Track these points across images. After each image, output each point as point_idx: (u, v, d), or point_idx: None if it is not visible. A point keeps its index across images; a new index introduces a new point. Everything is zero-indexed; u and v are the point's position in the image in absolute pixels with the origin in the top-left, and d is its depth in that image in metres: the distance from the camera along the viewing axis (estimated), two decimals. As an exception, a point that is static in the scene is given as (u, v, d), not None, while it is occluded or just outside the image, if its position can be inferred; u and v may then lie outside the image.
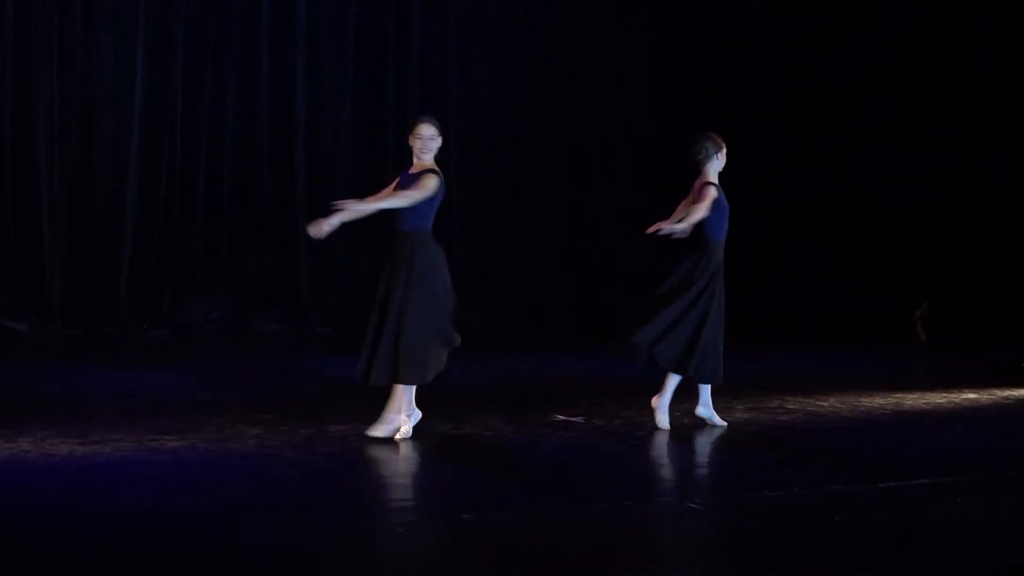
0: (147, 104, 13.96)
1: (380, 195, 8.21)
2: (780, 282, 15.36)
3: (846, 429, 8.94)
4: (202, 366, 11.99)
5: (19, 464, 7.22)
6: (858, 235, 15.99)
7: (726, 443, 8.47)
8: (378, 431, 8.06)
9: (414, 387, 8.14)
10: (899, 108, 15.87)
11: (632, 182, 16.09)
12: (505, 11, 15.78)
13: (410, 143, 8.21)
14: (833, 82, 16.18)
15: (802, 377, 11.29)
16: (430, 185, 7.97)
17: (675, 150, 15.70)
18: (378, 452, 7.80)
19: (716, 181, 8.79)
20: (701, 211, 8.62)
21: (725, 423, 8.85)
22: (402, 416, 8.09)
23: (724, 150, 8.85)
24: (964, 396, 10.42)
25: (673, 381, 8.70)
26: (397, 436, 8.09)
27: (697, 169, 8.87)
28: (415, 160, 8.17)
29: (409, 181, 8.06)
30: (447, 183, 14.79)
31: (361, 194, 8.49)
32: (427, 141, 8.09)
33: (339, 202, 7.99)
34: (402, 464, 7.69)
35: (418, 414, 8.26)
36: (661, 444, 8.31)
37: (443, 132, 8.28)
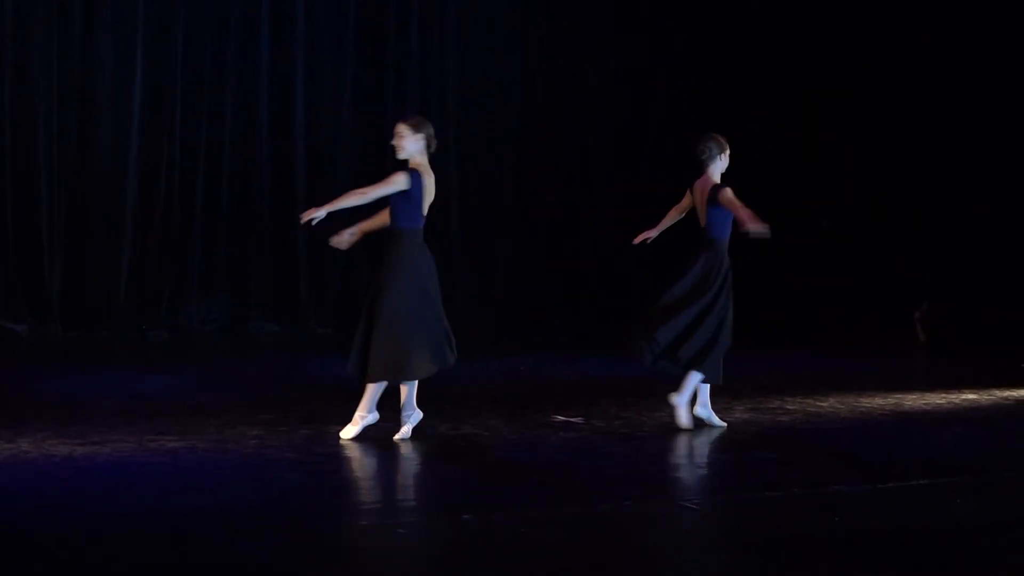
0: (146, 104, 13.95)
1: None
2: (780, 282, 15.36)
3: (846, 430, 8.94)
4: (201, 367, 11.99)
5: (18, 465, 7.22)
6: (858, 235, 15.99)
7: (726, 443, 8.47)
8: (347, 432, 8.07)
9: (373, 385, 8.08)
10: (899, 108, 15.87)
11: (632, 182, 16.08)
12: (505, 11, 15.78)
13: None
14: (833, 82, 16.18)
15: (802, 377, 11.28)
16: (393, 180, 7.94)
17: (675, 150, 15.82)
18: (377, 453, 7.80)
19: (719, 182, 8.82)
20: (744, 212, 8.64)
21: (724, 424, 8.85)
22: (359, 414, 8.08)
23: (728, 151, 8.86)
24: (964, 397, 10.41)
25: (694, 379, 8.73)
26: (396, 437, 8.08)
27: (700, 169, 8.87)
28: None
29: None
30: (447, 182, 14.79)
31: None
32: (399, 139, 8.07)
33: (305, 214, 7.93)
34: (401, 465, 7.69)
35: (419, 415, 8.25)
36: (661, 445, 8.30)
37: (420, 129, 8.10)
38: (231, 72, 14.41)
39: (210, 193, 14.33)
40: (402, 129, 8.11)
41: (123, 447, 7.73)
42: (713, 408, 8.92)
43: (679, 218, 9.07)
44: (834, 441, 8.55)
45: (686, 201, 8.98)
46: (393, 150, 8.17)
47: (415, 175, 7.99)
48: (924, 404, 10.07)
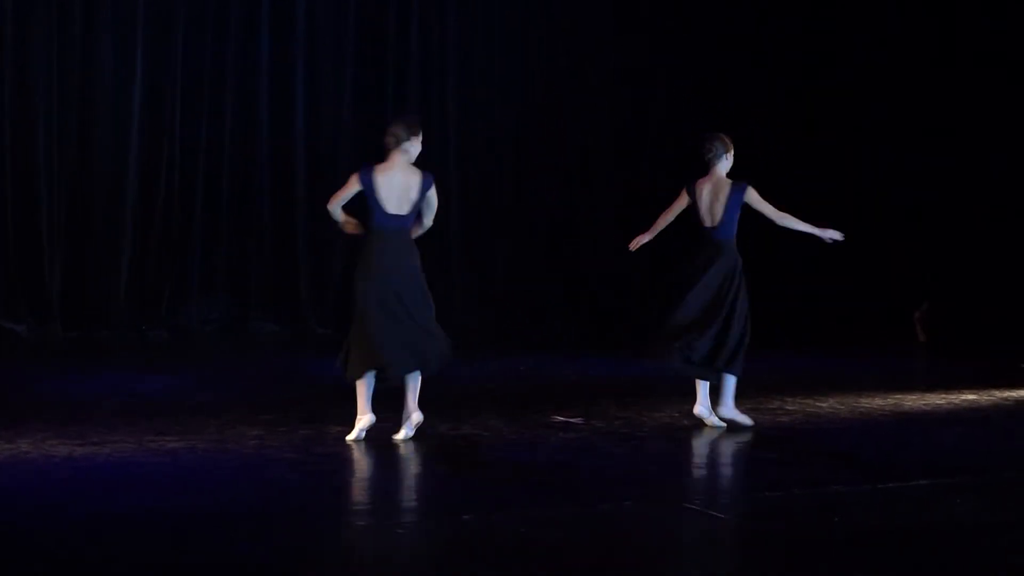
0: (146, 104, 13.95)
1: None
2: (780, 282, 15.35)
3: (845, 430, 8.94)
4: (201, 367, 11.99)
5: (18, 465, 7.22)
6: (858, 235, 15.96)
7: (726, 444, 8.47)
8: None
9: (356, 386, 8.09)
10: (899, 108, 15.86)
11: (632, 182, 16.08)
12: (505, 11, 15.78)
13: None
14: (833, 82, 16.17)
15: (802, 377, 11.28)
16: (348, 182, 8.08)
17: (675, 150, 15.82)
18: (377, 453, 7.80)
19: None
20: (776, 211, 8.86)
21: (724, 424, 8.84)
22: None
23: (732, 150, 8.86)
24: (963, 397, 10.41)
25: (731, 382, 8.80)
26: (397, 437, 8.07)
27: (705, 169, 8.85)
28: None
29: None
30: (447, 182, 14.84)
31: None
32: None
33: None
34: (401, 465, 7.69)
35: (419, 416, 8.17)
36: (660, 445, 8.30)
37: (392, 130, 8.14)
38: (231, 72, 14.40)
39: (210, 193, 14.32)
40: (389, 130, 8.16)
41: (123, 447, 7.73)
42: (713, 408, 8.92)
43: (671, 219, 9.03)
44: (834, 441, 8.55)
45: (682, 201, 8.92)
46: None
47: (359, 173, 8.03)
48: (924, 404, 10.07)
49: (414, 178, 8.02)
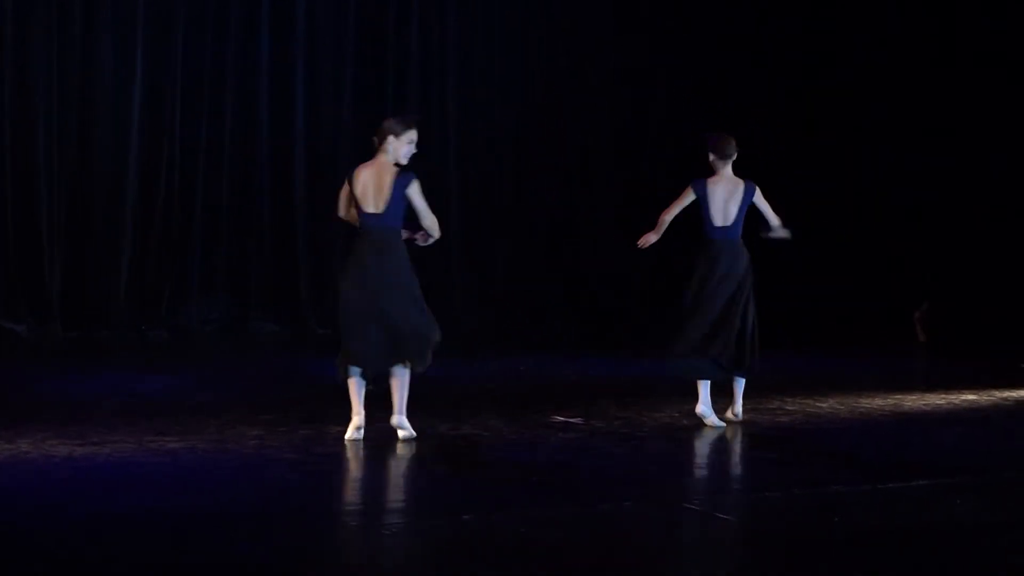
0: (146, 104, 13.95)
1: None
2: (780, 282, 15.35)
3: (845, 430, 8.94)
4: (201, 367, 11.99)
5: (18, 465, 7.22)
6: (858, 235, 15.99)
7: (725, 444, 8.48)
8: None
9: (348, 385, 8.08)
10: (899, 108, 15.87)
11: (632, 182, 16.09)
12: (505, 11, 15.79)
13: None
14: (833, 82, 16.18)
15: (801, 377, 11.27)
16: None
17: (675, 150, 15.82)
18: (377, 453, 7.80)
19: None
20: (773, 213, 8.91)
21: (724, 424, 8.84)
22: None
23: None
24: (963, 397, 10.41)
25: (742, 384, 8.88)
26: (403, 435, 8.04)
27: (710, 168, 8.82)
28: None
29: None
30: (447, 182, 14.83)
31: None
32: (414, 147, 8.17)
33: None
34: (401, 465, 7.69)
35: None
36: (660, 445, 8.30)
37: (379, 127, 8.12)
38: (231, 72, 14.41)
39: (210, 193, 14.32)
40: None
41: (123, 447, 7.73)
42: (714, 409, 8.92)
43: (674, 216, 9.01)
44: (834, 441, 8.55)
45: (686, 199, 8.87)
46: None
47: (349, 174, 8.07)
48: (924, 404, 10.07)
49: (388, 176, 7.96)
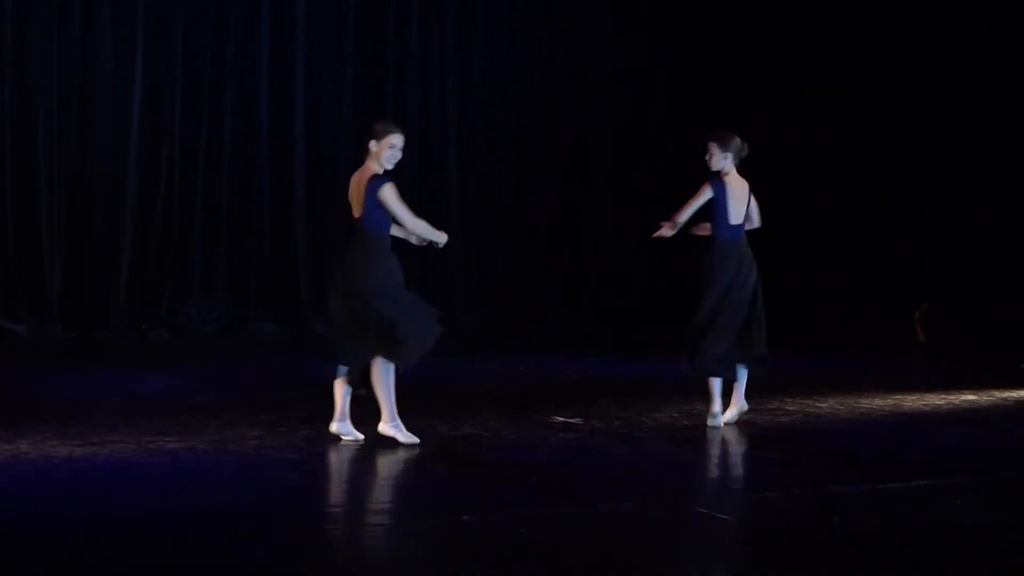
0: (146, 104, 13.96)
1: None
2: (780, 282, 15.34)
3: (845, 430, 8.94)
4: (201, 367, 11.99)
5: (18, 465, 7.22)
6: (858, 235, 15.99)
7: (725, 444, 8.47)
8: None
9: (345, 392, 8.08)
10: (899, 108, 15.86)
11: (632, 182, 16.09)
12: (505, 11, 15.79)
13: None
14: (833, 82, 16.18)
15: (801, 377, 11.27)
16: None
17: (675, 150, 15.81)
18: (377, 453, 7.80)
19: None
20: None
21: (721, 424, 8.83)
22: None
23: None
24: (963, 397, 10.41)
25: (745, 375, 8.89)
26: (404, 440, 8.01)
27: (713, 168, 8.80)
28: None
29: None
30: (447, 182, 14.78)
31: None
32: (398, 151, 8.05)
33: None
34: (401, 465, 7.68)
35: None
36: (660, 445, 8.30)
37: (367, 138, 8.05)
38: (231, 72, 14.41)
39: (210, 193, 14.33)
40: None
41: (123, 447, 7.73)
42: (713, 408, 8.93)
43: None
44: (834, 441, 8.55)
45: (703, 196, 8.72)
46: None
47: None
48: (924, 404, 10.07)
49: (363, 180, 7.96)
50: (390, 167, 7.94)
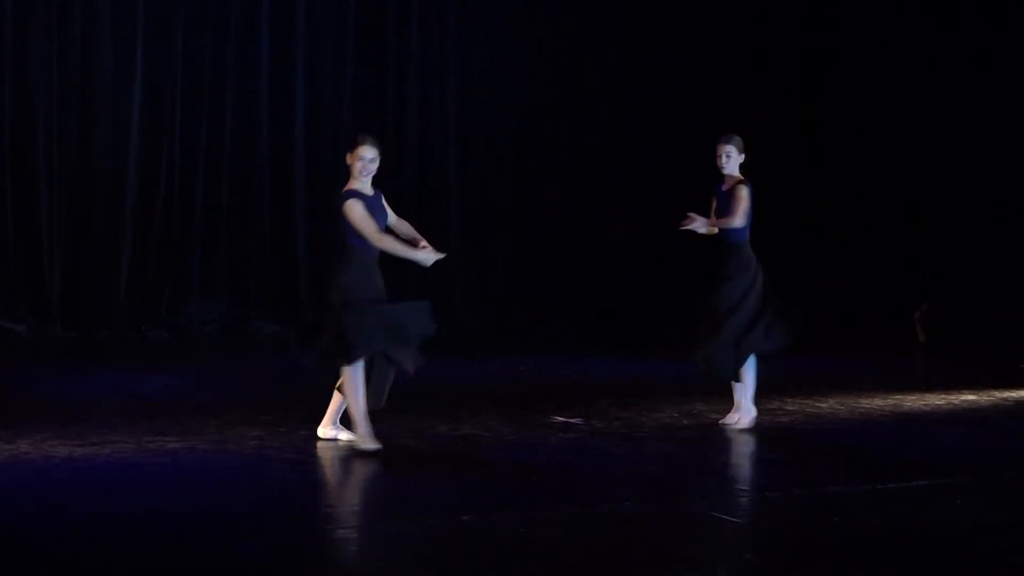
0: (146, 104, 13.96)
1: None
2: (780, 282, 15.34)
3: (845, 430, 8.94)
4: (201, 367, 11.99)
5: (18, 465, 7.22)
6: (858, 235, 15.99)
7: (725, 444, 8.47)
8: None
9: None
10: (899, 108, 15.86)
11: (632, 182, 16.09)
12: (505, 11, 15.79)
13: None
14: (833, 82, 16.18)
15: (801, 378, 11.27)
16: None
17: (675, 150, 15.82)
18: (376, 454, 7.79)
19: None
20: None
21: (726, 424, 8.84)
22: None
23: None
24: (963, 397, 10.41)
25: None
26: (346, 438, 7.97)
27: (734, 168, 8.78)
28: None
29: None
30: (447, 182, 14.79)
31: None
32: (368, 163, 7.88)
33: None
34: (401, 465, 7.68)
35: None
36: (660, 445, 8.30)
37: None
38: (231, 72, 14.41)
39: (210, 193, 14.33)
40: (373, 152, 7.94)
41: (123, 447, 7.73)
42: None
43: None
44: (834, 441, 8.55)
45: (749, 199, 8.73)
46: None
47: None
48: (924, 404, 10.07)
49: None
50: (364, 179, 7.82)
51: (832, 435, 8.74)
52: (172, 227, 14.12)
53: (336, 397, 7.96)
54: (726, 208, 8.65)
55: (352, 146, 7.89)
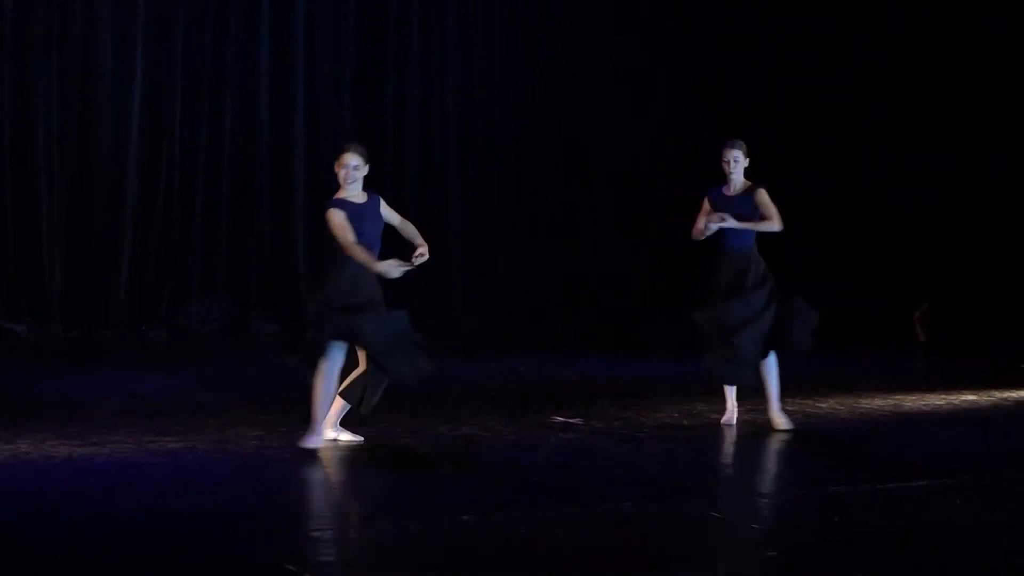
0: (146, 104, 13.96)
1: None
2: (780, 282, 15.33)
3: (845, 430, 8.94)
4: (201, 367, 12.00)
5: (18, 465, 7.22)
6: (858, 235, 15.99)
7: (725, 444, 8.47)
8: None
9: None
10: (899, 108, 15.86)
11: (632, 182, 16.09)
12: (505, 11, 15.79)
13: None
14: (833, 82, 16.17)
15: (801, 378, 11.26)
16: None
17: (675, 150, 15.82)
18: (377, 454, 7.80)
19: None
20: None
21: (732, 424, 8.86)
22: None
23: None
24: (963, 397, 10.41)
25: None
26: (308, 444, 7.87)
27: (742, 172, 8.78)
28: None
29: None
30: (447, 182, 14.78)
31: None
32: (351, 170, 7.92)
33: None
34: (401, 465, 7.68)
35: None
36: (660, 445, 8.30)
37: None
38: (231, 72, 14.41)
39: (210, 193, 14.33)
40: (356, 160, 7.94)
41: (123, 447, 7.73)
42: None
43: None
44: (834, 441, 8.55)
45: None
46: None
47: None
48: (924, 404, 10.07)
49: None
50: (350, 186, 7.84)
51: (832, 435, 8.74)
52: (172, 227, 14.12)
53: (337, 398, 7.96)
54: (747, 214, 8.59)
55: (338, 154, 7.92)
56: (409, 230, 8.00)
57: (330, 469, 7.50)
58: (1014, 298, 14.40)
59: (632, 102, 16.30)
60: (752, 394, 9.19)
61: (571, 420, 8.97)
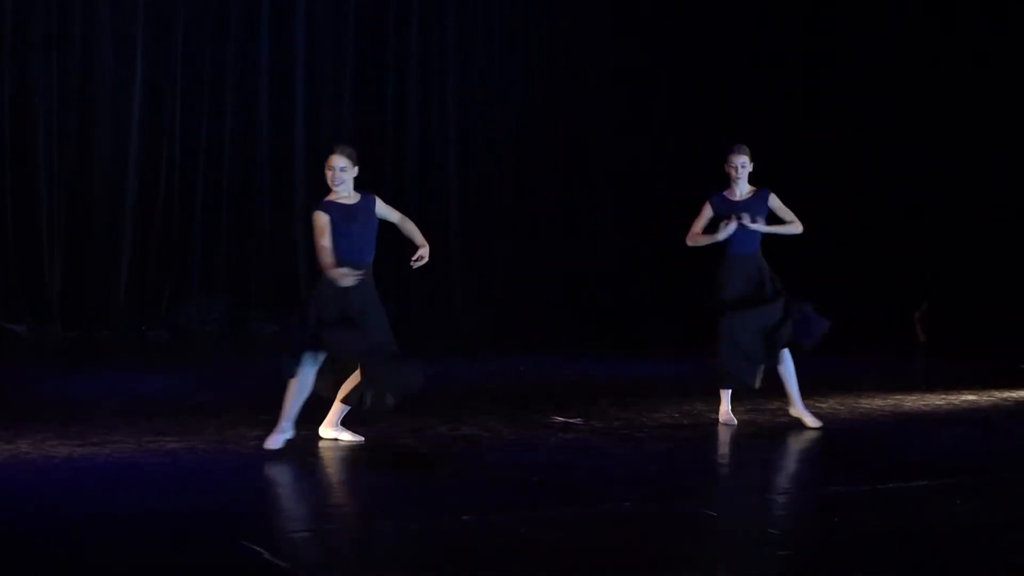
0: (146, 104, 13.96)
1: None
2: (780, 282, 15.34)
3: (845, 430, 8.94)
4: (201, 367, 11.99)
5: (18, 465, 7.22)
6: (858, 235, 15.98)
7: (725, 444, 8.47)
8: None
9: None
10: (899, 108, 15.86)
11: (632, 182, 16.09)
12: (505, 11, 15.79)
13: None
14: (833, 82, 16.17)
15: (801, 378, 11.25)
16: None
17: (675, 150, 15.81)
18: (376, 454, 7.80)
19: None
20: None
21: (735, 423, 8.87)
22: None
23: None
24: (963, 397, 10.41)
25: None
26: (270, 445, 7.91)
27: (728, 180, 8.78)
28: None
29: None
30: (447, 182, 14.75)
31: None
32: (348, 172, 7.92)
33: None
34: (401, 465, 7.68)
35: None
36: (660, 445, 8.30)
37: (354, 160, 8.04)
38: (231, 72, 14.41)
39: (210, 193, 14.33)
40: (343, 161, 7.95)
41: (123, 447, 7.73)
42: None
43: None
44: (834, 442, 8.54)
45: None
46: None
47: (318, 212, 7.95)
48: (924, 404, 10.07)
49: None
50: (338, 187, 7.94)
51: (832, 435, 8.74)
52: (172, 227, 14.12)
53: (337, 398, 7.96)
54: (764, 216, 8.69)
55: (325, 157, 7.97)
56: (409, 227, 8.04)
57: (330, 469, 7.51)
58: (1014, 298, 14.39)
59: (632, 102, 16.30)
60: (752, 394, 9.20)
61: (571, 420, 8.97)
